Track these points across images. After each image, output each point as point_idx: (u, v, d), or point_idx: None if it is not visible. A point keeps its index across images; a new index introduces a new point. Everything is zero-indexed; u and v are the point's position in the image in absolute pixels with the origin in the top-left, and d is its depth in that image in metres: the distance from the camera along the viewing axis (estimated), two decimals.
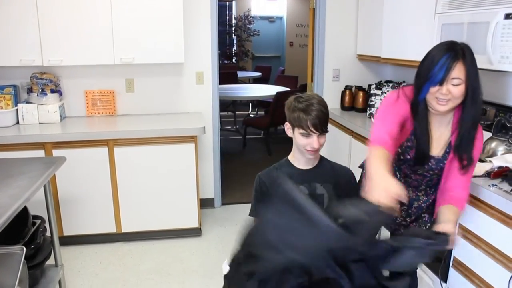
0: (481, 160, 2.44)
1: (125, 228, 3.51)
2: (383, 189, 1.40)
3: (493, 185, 2.08)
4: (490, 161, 2.26)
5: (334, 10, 4.14)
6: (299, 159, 1.88)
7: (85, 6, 3.34)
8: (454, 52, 1.68)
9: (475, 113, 1.76)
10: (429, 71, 1.72)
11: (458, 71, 1.67)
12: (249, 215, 1.92)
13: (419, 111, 1.83)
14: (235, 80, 8.51)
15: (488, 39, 2.28)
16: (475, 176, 2.15)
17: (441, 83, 1.69)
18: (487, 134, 2.64)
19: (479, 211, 2.11)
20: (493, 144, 2.43)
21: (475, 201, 2.14)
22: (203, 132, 3.42)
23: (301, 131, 1.77)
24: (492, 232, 2.04)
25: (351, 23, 4.18)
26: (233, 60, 11.08)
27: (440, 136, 1.88)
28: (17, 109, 3.52)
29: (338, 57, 4.20)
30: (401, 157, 1.98)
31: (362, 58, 4.19)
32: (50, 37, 3.34)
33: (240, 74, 9.33)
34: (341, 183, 1.88)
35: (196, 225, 3.61)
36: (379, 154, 1.64)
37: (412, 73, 1.85)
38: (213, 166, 4.18)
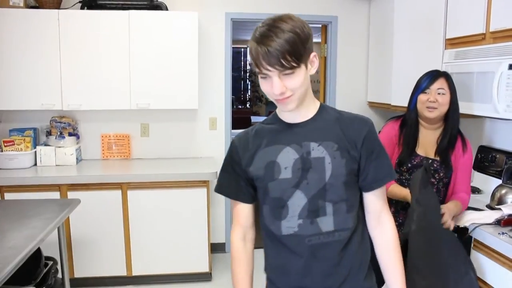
0: (491, 208, 2.44)
1: (135, 271, 3.51)
2: None
3: (503, 233, 2.07)
4: (500, 209, 2.26)
5: (345, 59, 4.25)
6: (281, 112, 1.40)
7: (104, 54, 3.50)
8: (437, 71, 2.22)
9: (456, 121, 2.19)
10: (417, 84, 2.22)
11: (441, 83, 2.14)
12: (215, 190, 1.49)
13: (410, 119, 2.23)
14: (248, 124, 8.58)
15: (494, 88, 2.32)
16: (484, 224, 2.16)
17: (426, 89, 2.15)
18: (496, 181, 2.65)
19: (490, 259, 2.09)
20: (503, 191, 2.43)
21: (485, 249, 2.12)
22: (215, 177, 3.47)
23: (258, 71, 1.24)
24: (503, 281, 2.02)
25: (361, 71, 4.28)
26: (247, 105, 11.26)
27: (427, 138, 2.23)
28: (35, 151, 3.63)
29: (349, 103, 4.24)
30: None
31: (372, 105, 4.25)
32: (70, 83, 3.49)
33: (254, 118, 9.46)
34: (352, 139, 1.34)
35: (206, 269, 3.60)
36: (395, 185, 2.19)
37: None
38: (225, 211, 4.20)
